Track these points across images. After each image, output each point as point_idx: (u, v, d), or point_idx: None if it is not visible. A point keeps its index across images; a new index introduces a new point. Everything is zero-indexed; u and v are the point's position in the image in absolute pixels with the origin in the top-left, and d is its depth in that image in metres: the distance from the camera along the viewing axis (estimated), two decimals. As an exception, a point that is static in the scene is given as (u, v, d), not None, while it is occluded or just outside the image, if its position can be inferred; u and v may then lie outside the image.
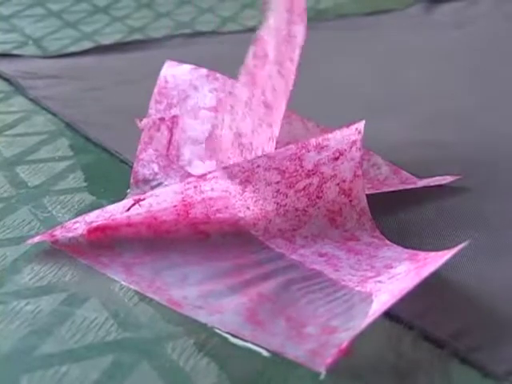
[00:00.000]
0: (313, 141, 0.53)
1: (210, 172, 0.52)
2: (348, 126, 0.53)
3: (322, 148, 0.53)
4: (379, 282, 0.47)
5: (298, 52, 0.51)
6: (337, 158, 0.53)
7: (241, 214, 0.52)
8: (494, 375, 0.40)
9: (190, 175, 0.59)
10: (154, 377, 0.40)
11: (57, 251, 0.50)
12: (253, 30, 1.05)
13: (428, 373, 0.40)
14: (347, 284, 0.47)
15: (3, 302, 0.46)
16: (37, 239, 0.51)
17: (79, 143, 0.69)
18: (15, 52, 0.95)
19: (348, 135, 0.53)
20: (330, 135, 0.53)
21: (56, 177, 0.62)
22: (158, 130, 0.60)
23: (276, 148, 0.53)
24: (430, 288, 0.46)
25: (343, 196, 0.53)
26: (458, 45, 0.98)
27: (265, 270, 0.48)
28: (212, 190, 0.52)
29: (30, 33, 1.04)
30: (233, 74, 0.88)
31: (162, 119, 0.60)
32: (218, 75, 0.61)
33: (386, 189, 0.58)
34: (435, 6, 1.17)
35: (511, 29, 1.05)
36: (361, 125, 0.53)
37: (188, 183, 0.52)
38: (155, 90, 0.62)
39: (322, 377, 0.40)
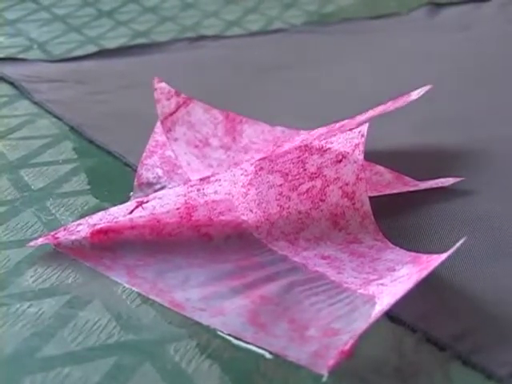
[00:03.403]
0: (316, 144, 0.53)
1: (213, 175, 0.52)
2: (351, 129, 0.53)
3: (325, 151, 0.53)
4: (382, 284, 0.47)
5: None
6: (340, 161, 0.53)
7: (244, 217, 0.52)
8: (496, 377, 0.40)
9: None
10: (156, 379, 0.40)
11: (60, 254, 0.50)
12: (257, 34, 1.05)
13: (430, 375, 0.40)
14: (350, 286, 0.47)
15: (6, 304, 0.46)
16: (40, 241, 0.51)
17: (83, 146, 0.69)
18: (20, 56, 0.95)
19: (351, 138, 0.53)
20: (333, 138, 0.53)
21: (60, 180, 0.62)
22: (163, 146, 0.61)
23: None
24: (432, 290, 0.46)
25: (346, 199, 0.53)
26: (462, 48, 0.98)
27: (267, 272, 0.48)
28: (215, 192, 0.52)
29: (35, 37, 1.04)
30: (236, 78, 0.88)
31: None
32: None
33: (388, 191, 0.58)
34: (439, 10, 1.17)
35: (515, 32, 1.05)
36: (364, 128, 0.53)
37: (191, 186, 0.52)
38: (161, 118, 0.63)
39: (325, 379, 0.40)
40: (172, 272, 0.48)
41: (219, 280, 0.47)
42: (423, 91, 0.60)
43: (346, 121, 0.57)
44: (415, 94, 0.61)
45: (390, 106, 0.60)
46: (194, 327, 0.44)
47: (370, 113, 0.58)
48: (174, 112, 0.63)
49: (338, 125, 0.56)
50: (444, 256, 0.44)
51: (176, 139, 0.62)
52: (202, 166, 0.60)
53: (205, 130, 0.63)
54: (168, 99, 0.63)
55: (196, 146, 0.62)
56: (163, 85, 0.63)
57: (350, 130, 0.53)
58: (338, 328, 0.43)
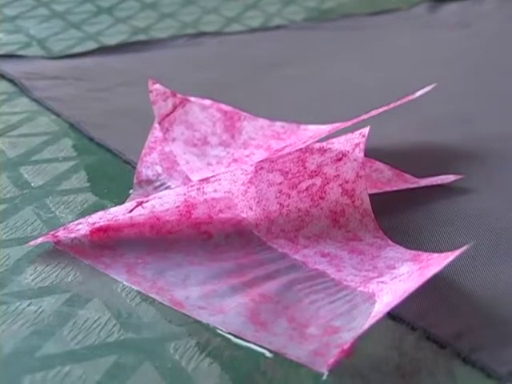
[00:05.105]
0: (317, 145, 0.53)
1: (213, 176, 0.52)
2: (353, 131, 0.53)
3: (326, 151, 0.53)
4: (382, 282, 0.47)
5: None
6: (340, 159, 0.53)
7: (243, 215, 0.52)
8: (496, 375, 0.40)
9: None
10: (156, 377, 0.40)
11: (59, 252, 0.50)
12: (256, 30, 1.05)
13: (431, 373, 0.40)
14: (350, 284, 0.47)
15: (6, 302, 0.46)
16: (40, 240, 0.51)
17: (83, 144, 0.69)
18: (19, 53, 0.95)
19: (352, 139, 0.53)
20: (333, 139, 0.53)
21: (59, 177, 0.62)
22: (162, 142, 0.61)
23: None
24: (432, 288, 0.46)
25: (346, 197, 0.53)
26: (463, 45, 0.98)
27: (267, 270, 0.48)
28: (215, 191, 0.52)
29: (35, 34, 1.04)
30: (236, 75, 0.88)
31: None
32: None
33: (388, 188, 0.58)
34: (439, 6, 1.17)
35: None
36: (366, 130, 0.53)
37: (191, 186, 0.52)
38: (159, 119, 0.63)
39: (325, 377, 0.40)
40: (172, 270, 0.48)
41: (219, 278, 0.47)
42: (427, 89, 0.61)
43: (349, 122, 0.57)
44: (419, 93, 0.61)
45: (393, 105, 0.60)
46: (194, 325, 0.44)
47: (373, 112, 0.58)
48: (172, 112, 0.62)
49: (339, 124, 0.56)
50: (449, 259, 0.43)
51: (174, 139, 0.62)
52: (202, 164, 0.60)
53: (203, 128, 0.63)
54: (164, 100, 0.63)
55: (195, 145, 0.62)
56: (158, 86, 0.63)
57: (352, 132, 0.53)
58: (337, 326, 0.43)
